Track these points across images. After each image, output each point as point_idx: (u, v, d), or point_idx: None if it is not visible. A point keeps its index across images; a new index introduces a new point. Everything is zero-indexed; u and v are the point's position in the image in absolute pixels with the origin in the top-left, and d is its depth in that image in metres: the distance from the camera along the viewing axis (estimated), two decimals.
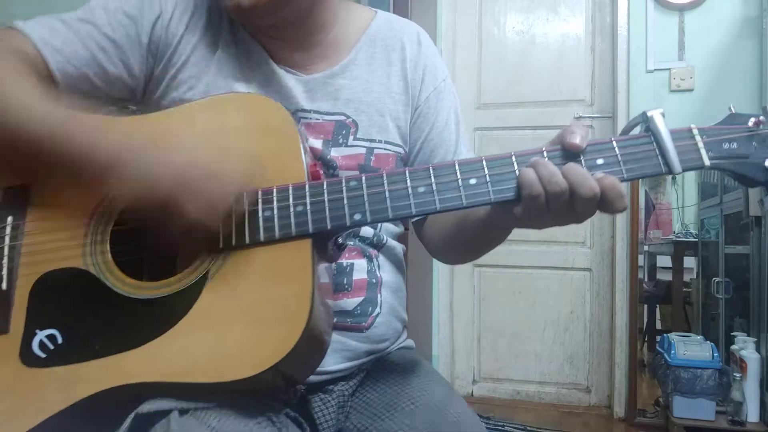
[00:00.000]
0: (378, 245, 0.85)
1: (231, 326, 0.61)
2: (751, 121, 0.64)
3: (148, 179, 0.62)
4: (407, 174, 0.65)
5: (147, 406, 0.60)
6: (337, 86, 0.83)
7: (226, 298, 0.62)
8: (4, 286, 0.66)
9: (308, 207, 0.64)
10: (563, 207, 0.61)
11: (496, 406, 2.78)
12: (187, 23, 0.79)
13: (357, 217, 0.64)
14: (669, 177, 2.90)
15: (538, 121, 2.89)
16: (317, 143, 0.80)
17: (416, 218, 0.88)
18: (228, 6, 0.76)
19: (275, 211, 0.64)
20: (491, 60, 2.99)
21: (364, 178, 0.65)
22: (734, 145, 0.64)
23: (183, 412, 0.60)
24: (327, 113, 0.82)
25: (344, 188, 0.65)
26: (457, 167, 0.64)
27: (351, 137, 0.82)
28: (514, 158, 0.64)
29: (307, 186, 0.65)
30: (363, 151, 0.82)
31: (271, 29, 0.81)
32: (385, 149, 0.84)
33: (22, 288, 0.66)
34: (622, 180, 0.62)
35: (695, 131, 0.64)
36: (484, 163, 0.64)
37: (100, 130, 0.65)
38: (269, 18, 0.78)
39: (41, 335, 0.64)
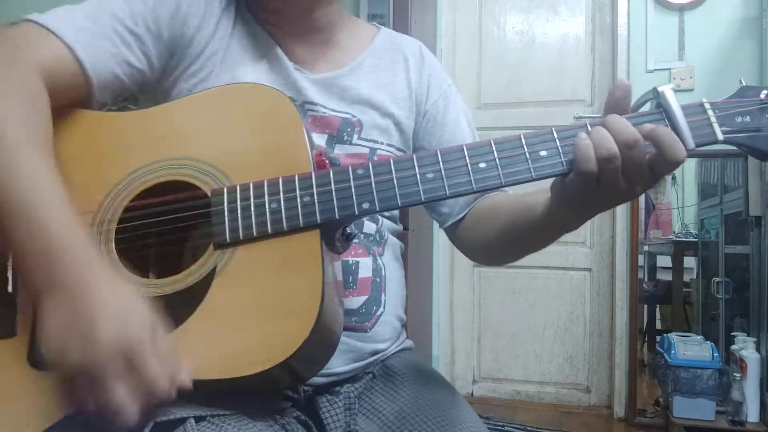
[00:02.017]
0: (380, 241, 0.85)
1: (241, 321, 0.60)
2: (764, 94, 0.64)
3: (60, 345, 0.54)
4: (415, 160, 0.64)
5: (162, 416, 0.57)
6: (343, 86, 0.84)
7: (235, 293, 0.61)
8: (9, 288, 0.64)
9: (315, 197, 0.63)
10: (612, 173, 0.59)
11: (496, 406, 2.77)
12: (202, 16, 0.79)
13: (365, 205, 0.63)
14: (669, 177, 2.90)
15: (538, 121, 2.88)
16: (321, 140, 0.80)
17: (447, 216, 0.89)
18: None
19: (282, 203, 0.63)
20: (491, 60, 2.99)
21: (371, 165, 0.64)
22: (747, 119, 0.63)
23: (199, 419, 0.58)
24: (334, 110, 0.82)
25: (351, 177, 0.63)
26: (465, 151, 0.63)
27: (355, 136, 0.82)
28: (523, 140, 0.63)
29: (313, 176, 0.64)
30: (366, 151, 0.83)
31: (276, 18, 0.81)
32: (387, 151, 0.85)
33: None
34: None
35: (707, 106, 0.64)
36: (494, 146, 0.63)
37: (51, 248, 0.56)
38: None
39: None
